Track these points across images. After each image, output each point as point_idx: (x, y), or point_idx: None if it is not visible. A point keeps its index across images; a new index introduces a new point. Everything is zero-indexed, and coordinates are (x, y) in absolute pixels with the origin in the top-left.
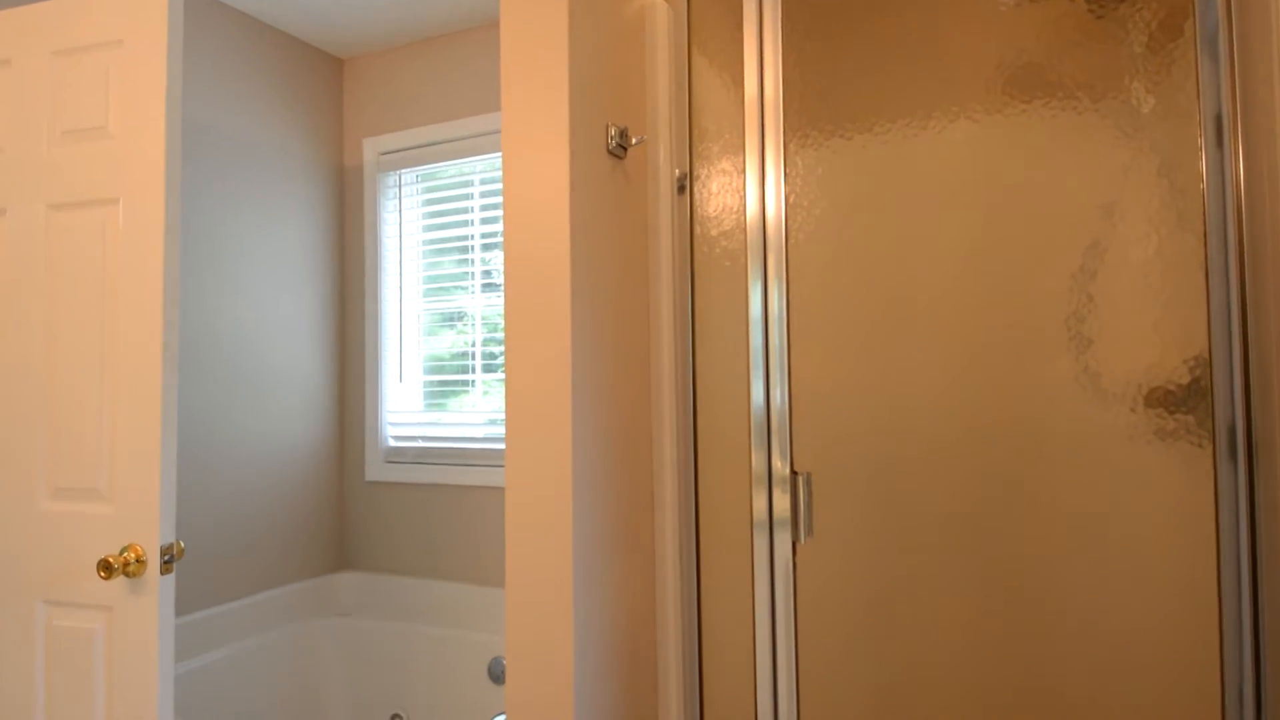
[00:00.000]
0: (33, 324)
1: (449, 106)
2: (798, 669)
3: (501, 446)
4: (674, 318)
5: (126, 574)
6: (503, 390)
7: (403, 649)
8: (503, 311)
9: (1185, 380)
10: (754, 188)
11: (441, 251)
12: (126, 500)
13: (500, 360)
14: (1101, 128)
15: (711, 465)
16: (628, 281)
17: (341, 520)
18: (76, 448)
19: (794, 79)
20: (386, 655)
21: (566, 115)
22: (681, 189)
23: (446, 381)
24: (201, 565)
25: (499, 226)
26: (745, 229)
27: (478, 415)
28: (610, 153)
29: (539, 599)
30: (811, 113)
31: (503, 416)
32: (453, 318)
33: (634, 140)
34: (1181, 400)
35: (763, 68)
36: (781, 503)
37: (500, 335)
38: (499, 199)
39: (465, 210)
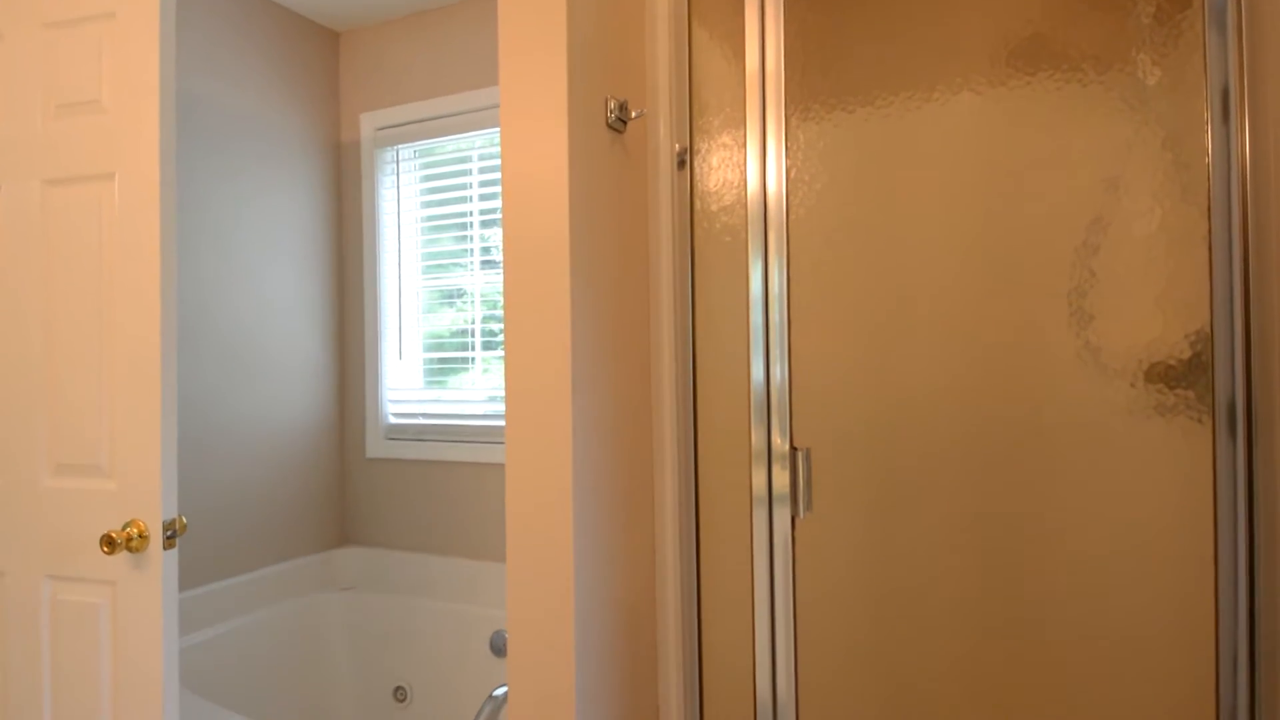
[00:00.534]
0: (31, 300)
1: (447, 81)
2: (796, 642)
3: (501, 424)
4: (674, 294)
5: (130, 549)
6: (502, 368)
7: (405, 623)
8: (502, 289)
9: (1186, 355)
10: (755, 162)
11: (440, 229)
12: (128, 476)
13: (500, 338)
14: (1107, 100)
15: (711, 441)
16: (627, 258)
17: (343, 496)
18: (77, 424)
19: (796, 51)
20: (389, 629)
21: (565, 88)
22: (682, 164)
23: (446, 359)
24: (205, 541)
25: (498, 203)
26: (746, 204)
27: (478, 392)
28: (610, 126)
29: (540, 573)
30: (813, 86)
31: (503, 394)
32: (452, 295)
33: (634, 114)
34: (1182, 375)
35: (764, 39)
36: (781, 479)
37: (500, 313)
38: (498, 175)
39: (464, 186)
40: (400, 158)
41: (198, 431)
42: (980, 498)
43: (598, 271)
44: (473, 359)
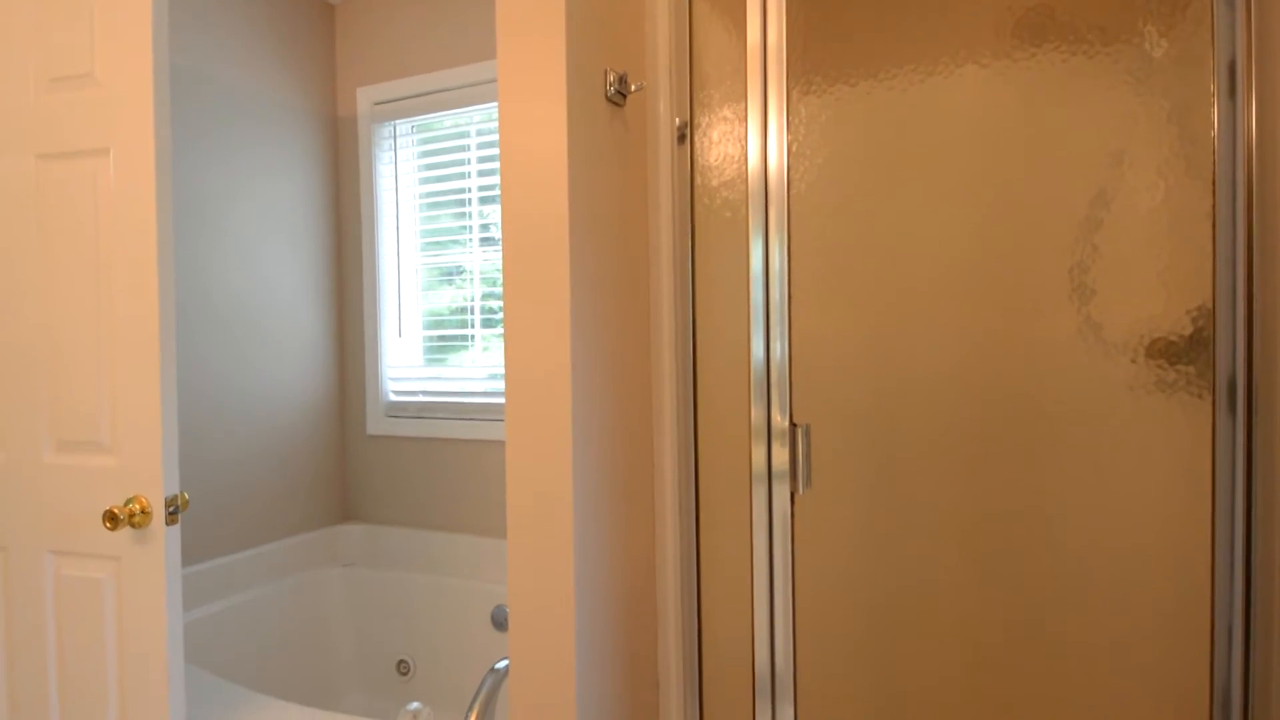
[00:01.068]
0: (28, 278)
1: (444, 54)
2: (794, 616)
3: (501, 401)
4: (674, 270)
5: (132, 525)
6: (502, 346)
7: (407, 598)
8: (501, 267)
9: (1188, 331)
10: (756, 136)
11: (438, 205)
12: (129, 452)
13: (499, 316)
14: (1113, 72)
15: (711, 418)
16: (627, 233)
17: (344, 473)
18: (78, 400)
19: (798, 22)
20: (391, 604)
21: (564, 59)
22: (682, 138)
23: (446, 337)
24: (208, 518)
25: (496, 180)
26: (747, 179)
27: (478, 370)
28: (609, 100)
29: (540, 549)
30: (815, 58)
31: (502, 371)
32: (451, 273)
33: (633, 87)
34: (1183, 351)
35: (766, 10)
36: (780, 456)
37: (499, 291)
38: (496, 151)
39: (462, 163)
40: (398, 133)
41: (199, 410)
42: (979, 473)
43: (597, 248)
44: (472, 337)
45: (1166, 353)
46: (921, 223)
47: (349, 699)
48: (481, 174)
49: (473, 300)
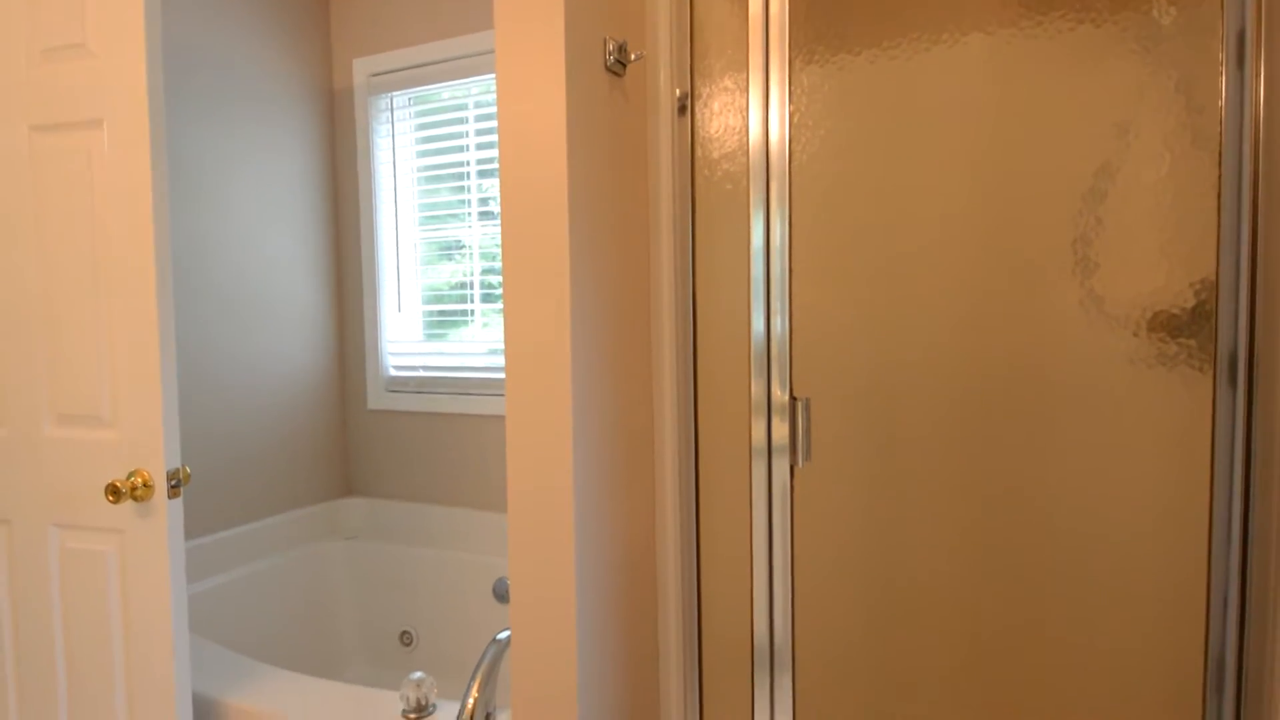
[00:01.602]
0: (25, 250)
1: (441, 24)
2: (793, 587)
3: (501, 376)
4: (674, 244)
5: (135, 498)
6: (502, 321)
7: (409, 570)
8: (500, 242)
9: (1190, 304)
10: (757, 106)
11: (437, 179)
12: (130, 426)
13: (499, 292)
14: (1121, 41)
15: (710, 391)
16: (627, 206)
17: (345, 448)
18: (77, 374)
19: None
20: (393, 576)
21: (562, 27)
22: (683, 109)
23: (446, 312)
24: (210, 492)
25: (495, 153)
26: (748, 150)
27: (478, 345)
28: (608, 69)
29: (541, 522)
30: (818, 26)
31: (502, 347)
32: (450, 247)
33: (633, 56)
34: (1185, 324)
35: None
36: (780, 430)
37: (499, 267)
38: (494, 124)
39: (460, 135)
40: (395, 105)
41: (201, 385)
42: (979, 446)
43: (597, 221)
44: (472, 312)
45: (1168, 326)
46: (924, 195)
47: (353, 669)
48: (480, 147)
49: (472, 276)
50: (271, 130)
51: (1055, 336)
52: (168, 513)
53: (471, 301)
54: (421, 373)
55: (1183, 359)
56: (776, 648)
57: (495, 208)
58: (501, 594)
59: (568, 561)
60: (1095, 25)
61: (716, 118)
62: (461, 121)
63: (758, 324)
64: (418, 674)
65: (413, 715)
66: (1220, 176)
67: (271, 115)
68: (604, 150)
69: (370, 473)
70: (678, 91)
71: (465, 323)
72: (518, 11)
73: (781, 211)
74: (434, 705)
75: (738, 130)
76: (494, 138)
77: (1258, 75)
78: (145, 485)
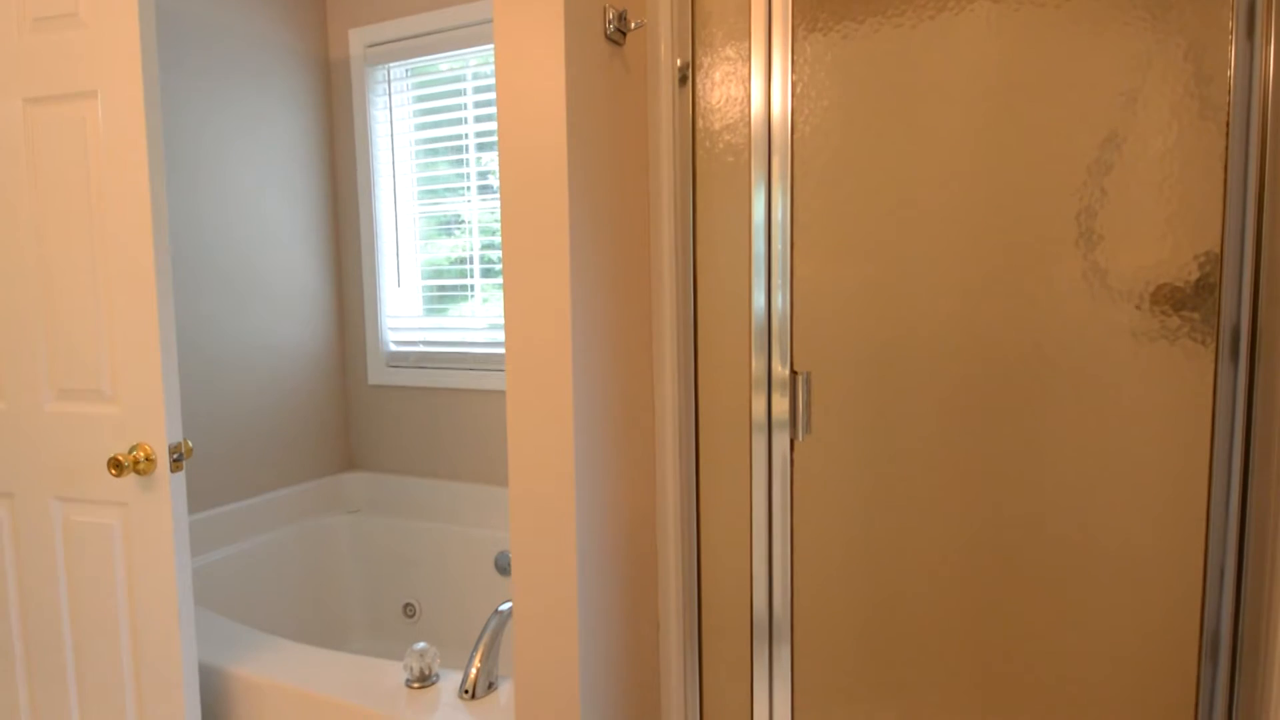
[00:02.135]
0: (21, 224)
1: None
2: (792, 558)
3: (502, 351)
4: (674, 216)
5: (137, 472)
6: (502, 297)
7: (411, 544)
8: (500, 217)
9: (1194, 277)
10: (759, 76)
11: (435, 152)
12: (131, 400)
13: (499, 267)
14: (1129, 8)
15: (711, 364)
16: (627, 178)
17: (347, 423)
18: (76, 348)
19: None
20: (396, 550)
21: None
22: (683, 80)
23: (446, 287)
24: (213, 466)
25: (494, 125)
26: (750, 121)
27: (478, 320)
28: (608, 38)
29: (542, 495)
30: None
31: (503, 322)
32: (449, 222)
33: (633, 24)
34: (1188, 297)
35: None
36: (780, 405)
37: (499, 242)
38: (493, 96)
39: (459, 108)
40: (392, 77)
41: (201, 360)
42: (980, 418)
43: (597, 193)
44: (472, 287)
45: (1171, 298)
46: (927, 166)
47: (357, 641)
48: (478, 119)
49: (472, 251)
50: (267, 103)
51: (1058, 309)
52: (170, 486)
53: (471, 277)
54: (422, 348)
55: (1185, 332)
56: (775, 619)
57: (494, 182)
58: (503, 567)
59: (569, 534)
60: None
61: (718, 88)
62: (460, 94)
63: (758, 299)
64: (421, 644)
65: (416, 685)
66: (1227, 147)
67: (267, 87)
68: (604, 121)
69: (372, 447)
70: (678, 61)
71: (465, 298)
72: None
73: (783, 184)
74: (437, 675)
75: (739, 101)
76: (493, 110)
77: (1267, 44)
78: (147, 459)
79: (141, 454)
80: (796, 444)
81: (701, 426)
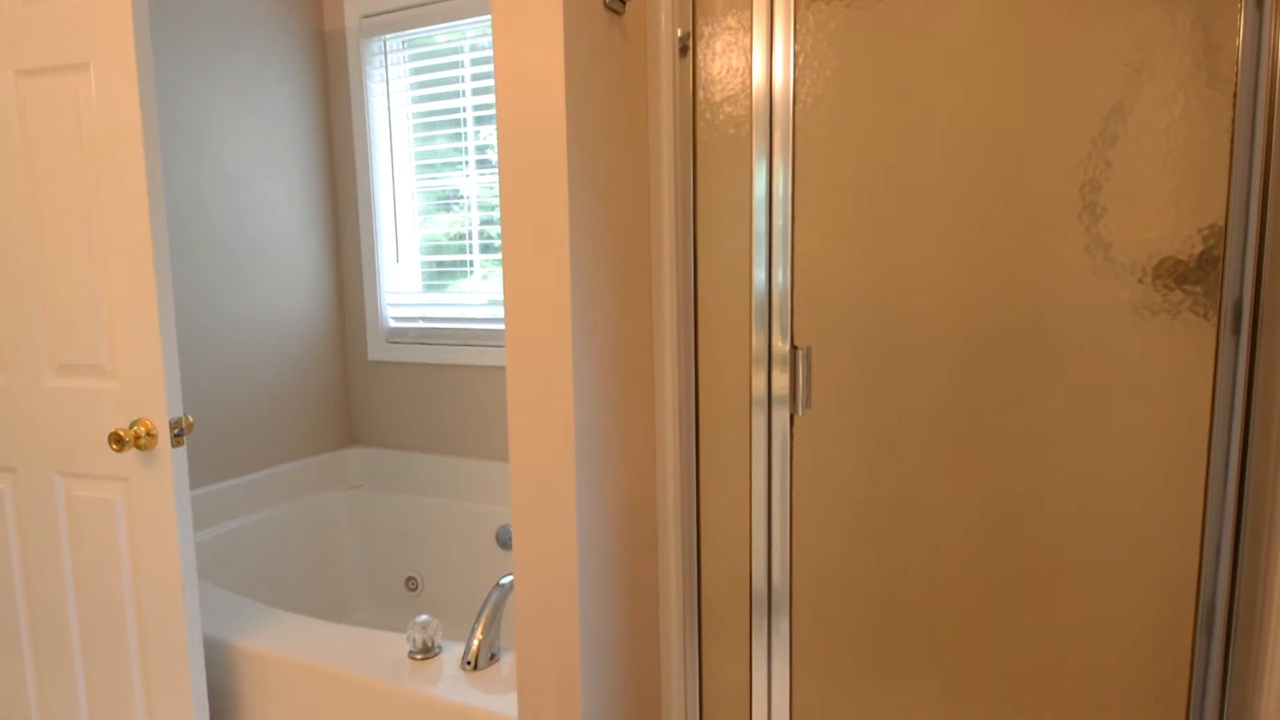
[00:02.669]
0: (16, 197)
1: None
2: (792, 533)
3: (502, 327)
4: (674, 189)
5: (138, 446)
6: (501, 271)
7: (413, 519)
8: (498, 191)
9: (1197, 250)
10: (761, 46)
11: (433, 126)
12: (130, 375)
13: (498, 243)
14: None
15: (711, 338)
16: (627, 151)
17: (347, 399)
18: (75, 324)
19: None
20: (398, 524)
21: None
22: (684, 49)
23: (445, 263)
24: (215, 442)
25: (491, 98)
26: (751, 92)
27: (478, 297)
28: (607, 6)
29: (542, 470)
30: None
31: (502, 298)
32: (448, 197)
33: None
34: (1191, 271)
35: None
36: (780, 381)
37: (498, 218)
38: (490, 68)
39: (457, 80)
40: (388, 49)
41: (201, 337)
42: (980, 392)
43: (597, 166)
44: (471, 263)
45: (1174, 272)
46: (929, 137)
47: (360, 614)
48: (476, 93)
49: (471, 227)
50: (263, 75)
51: (1060, 283)
52: (172, 461)
53: (470, 252)
54: (421, 324)
55: (1187, 306)
56: (775, 593)
57: (493, 157)
58: (504, 541)
59: (569, 509)
60: None
61: (719, 58)
62: (457, 65)
63: (759, 273)
64: (423, 617)
65: (419, 656)
66: (1234, 119)
67: (262, 59)
68: (603, 92)
69: (373, 423)
70: (679, 30)
71: (465, 274)
72: None
73: (785, 156)
74: (439, 647)
75: (741, 71)
76: (491, 83)
77: (1277, 13)
78: (148, 434)
79: (142, 429)
80: (796, 419)
81: (702, 401)
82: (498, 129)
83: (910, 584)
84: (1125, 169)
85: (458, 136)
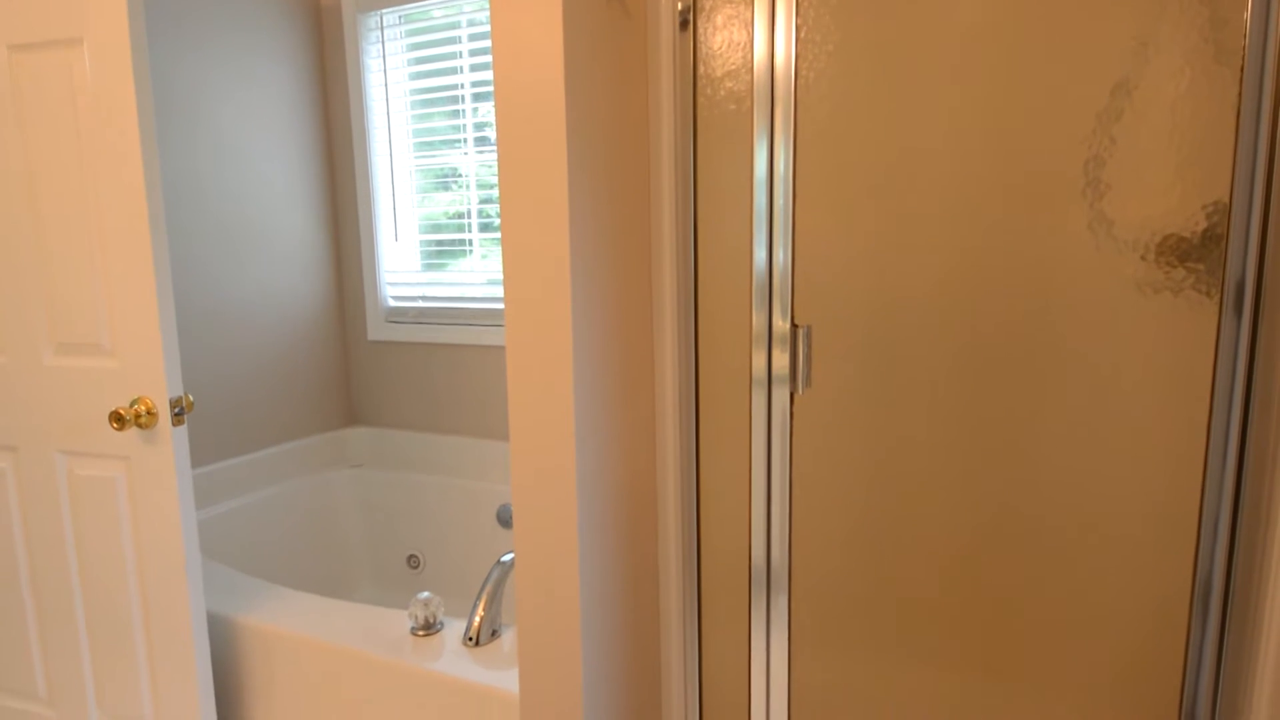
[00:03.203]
0: (12, 175)
1: None
2: (791, 512)
3: (501, 307)
4: (674, 166)
5: (139, 425)
6: (500, 250)
7: (414, 498)
8: (497, 171)
9: (1201, 227)
10: (763, 19)
11: (431, 103)
12: (130, 354)
13: (498, 222)
14: None
15: (711, 317)
16: (626, 127)
17: (348, 378)
18: (73, 301)
19: None
20: (399, 503)
21: None
22: (684, 24)
23: (444, 242)
24: (215, 421)
25: (490, 75)
26: (752, 67)
27: (477, 276)
28: None
29: (542, 448)
30: None
31: (501, 277)
32: (446, 176)
33: None
34: (1194, 248)
35: None
36: (780, 359)
37: (497, 196)
38: (488, 44)
39: (454, 56)
40: (385, 24)
41: (200, 317)
42: (980, 371)
43: (596, 143)
44: (470, 242)
45: (1177, 249)
46: (932, 113)
47: (362, 591)
48: (474, 69)
49: (469, 205)
50: (258, 51)
51: (1063, 260)
52: (173, 439)
53: (469, 231)
54: (421, 303)
55: (1190, 284)
56: (774, 570)
57: (491, 134)
58: (505, 519)
59: (569, 487)
60: None
61: (720, 32)
62: (455, 42)
63: (760, 251)
64: (425, 594)
65: (421, 632)
66: (1240, 94)
67: (258, 34)
68: (603, 67)
69: (373, 403)
70: (679, 4)
71: (464, 253)
72: None
73: (786, 132)
74: (441, 623)
75: (742, 45)
76: (488, 60)
77: None
78: (149, 413)
79: (142, 407)
80: (797, 397)
81: (702, 379)
82: (496, 106)
83: (909, 562)
84: (1130, 145)
85: (456, 114)
